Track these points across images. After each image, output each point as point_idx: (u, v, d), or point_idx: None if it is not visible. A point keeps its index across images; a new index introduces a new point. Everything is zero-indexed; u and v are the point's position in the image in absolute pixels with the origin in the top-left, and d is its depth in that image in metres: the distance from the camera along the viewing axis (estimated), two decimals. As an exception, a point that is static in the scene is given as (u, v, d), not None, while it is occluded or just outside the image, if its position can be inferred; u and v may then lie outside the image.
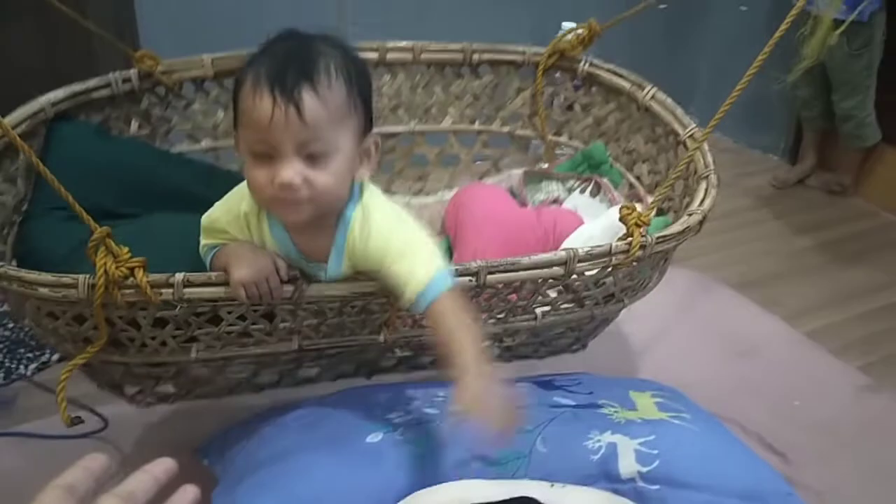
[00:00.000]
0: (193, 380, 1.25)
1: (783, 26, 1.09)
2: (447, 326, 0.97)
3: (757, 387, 1.69)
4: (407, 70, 1.64)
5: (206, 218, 1.11)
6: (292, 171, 0.94)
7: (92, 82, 1.46)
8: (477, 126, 1.72)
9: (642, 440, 1.10)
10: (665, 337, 1.83)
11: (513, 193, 1.64)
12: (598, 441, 1.11)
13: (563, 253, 1.14)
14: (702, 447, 1.12)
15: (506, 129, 1.73)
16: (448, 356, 0.95)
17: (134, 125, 1.54)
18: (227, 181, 1.57)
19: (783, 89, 2.68)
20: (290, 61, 0.94)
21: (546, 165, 1.69)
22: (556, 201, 1.62)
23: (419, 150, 1.70)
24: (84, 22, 1.47)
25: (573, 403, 1.21)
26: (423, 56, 1.64)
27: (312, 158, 0.95)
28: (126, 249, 1.01)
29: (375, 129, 1.63)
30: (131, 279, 1.01)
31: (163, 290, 1.02)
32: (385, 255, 1.01)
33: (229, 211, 1.08)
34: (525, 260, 1.12)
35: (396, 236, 1.03)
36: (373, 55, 1.60)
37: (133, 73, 1.50)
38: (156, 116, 1.56)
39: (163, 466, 0.61)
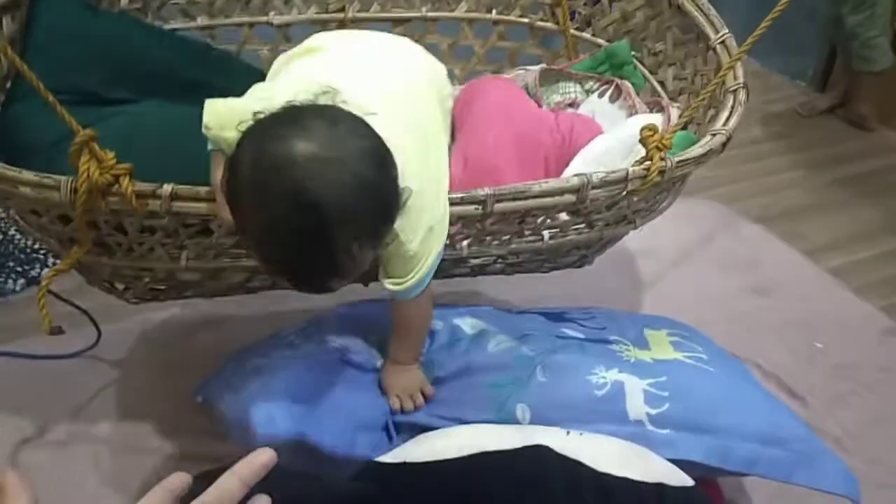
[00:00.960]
0: (184, 283, 1.21)
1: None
2: (401, 322, 1.11)
3: (777, 326, 1.64)
4: (419, -52, 1.51)
5: (212, 113, 0.93)
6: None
7: (77, -52, 1.34)
8: (494, 15, 1.60)
9: (652, 381, 1.06)
10: (683, 271, 1.77)
11: (527, 92, 1.54)
12: (604, 378, 1.07)
13: (577, 179, 1.06)
14: (718, 389, 1.08)
15: (525, 19, 1.60)
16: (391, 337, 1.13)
17: (124, -2, 1.43)
18: (224, 64, 1.48)
19: (814, 9, 2.50)
20: (304, 257, 0.84)
21: (566, 63, 1.58)
22: (573, 104, 1.52)
23: (430, 38, 1.58)
24: None
25: (581, 336, 1.17)
26: (438, -68, 1.50)
27: None
28: (111, 154, 0.95)
29: (384, 13, 1.56)
30: (116, 187, 0.95)
31: (149, 201, 0.96)
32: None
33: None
34: (535, 187, 1.05)
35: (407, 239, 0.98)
36: (383, -70, 1.47)
37: (122, -62, 1.37)
38: (148, -12, 1.44)
39: (249, 468, 0.57)
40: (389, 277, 1.02)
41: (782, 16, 1.05)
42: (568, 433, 0.99)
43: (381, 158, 0.87)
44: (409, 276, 1.00)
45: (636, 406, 1.04)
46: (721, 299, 1.70)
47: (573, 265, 1.41)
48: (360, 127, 0.87)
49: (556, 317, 1.27)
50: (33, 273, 1.62)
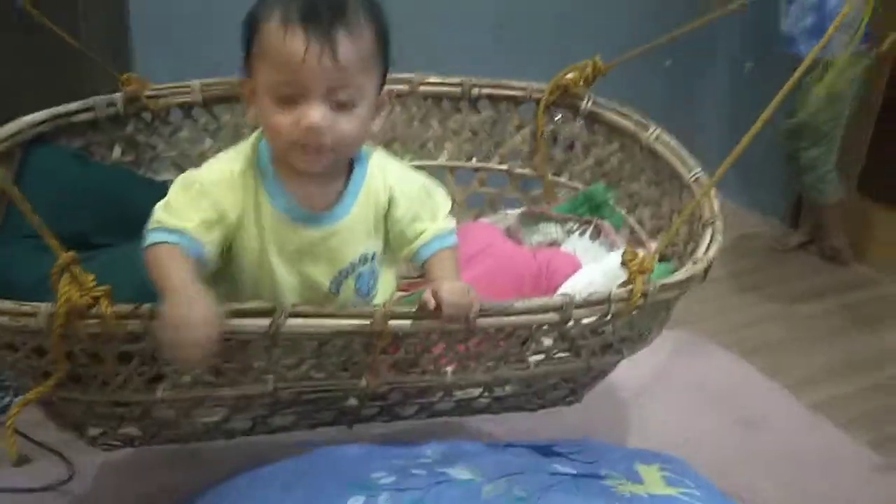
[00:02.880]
0: (159, 422, 1.16)
1: (797, 75, 1.06)
2: (441, 272, 1.07)
3: (764, 460, 1.62)
4: (403, 102, 1.59)
5: (184, 178, 1.03)
6: (319, 114, 0.93)
7: (74, 105, 1.40)
8: (474, 163, 1.66)
9: None
10: (668, 404, 1.76)
11: (508, 234, 1.57)
12: None
13: (560, 298, 1.07)
14: None
15: (504, 166, 1.66)
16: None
17: (117, 151, 1.47)
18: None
19: (780, 147, 2.62)
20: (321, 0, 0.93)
21: (545, 206, 1.63)
22: (554, 244, 1.55)
23: (413, 185, 1.63)
24: (73, 42, 1.41)
25: (573, 472, 1.13)
26: (421, 88, 1.58)
27: (340, 105, 0.95)
28: (91, 277, 0.95)
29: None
30: (95, 309, 0.94)
31: (129, 322, 0.95)
32: (406, 195, 1.09)
33: (220, 171, 1.03)
34: (519, 304, 1.05)
35: (417, 180, 1.13)
36: (369, 87, 1.55)
37: (118, 96, 1.43)
38: (141, 143, 1.49)
39: None
40: (425, 230, 1.10)
41: (754, 153, 1.09)
42: None
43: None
44: (443, 217, 1.13)
45: None
46: (706, 432, 1.69)
47: (562, 401, 1.37)
48: None
49: (545, 450, 1.23)
50: (6, 401, 1.56)
